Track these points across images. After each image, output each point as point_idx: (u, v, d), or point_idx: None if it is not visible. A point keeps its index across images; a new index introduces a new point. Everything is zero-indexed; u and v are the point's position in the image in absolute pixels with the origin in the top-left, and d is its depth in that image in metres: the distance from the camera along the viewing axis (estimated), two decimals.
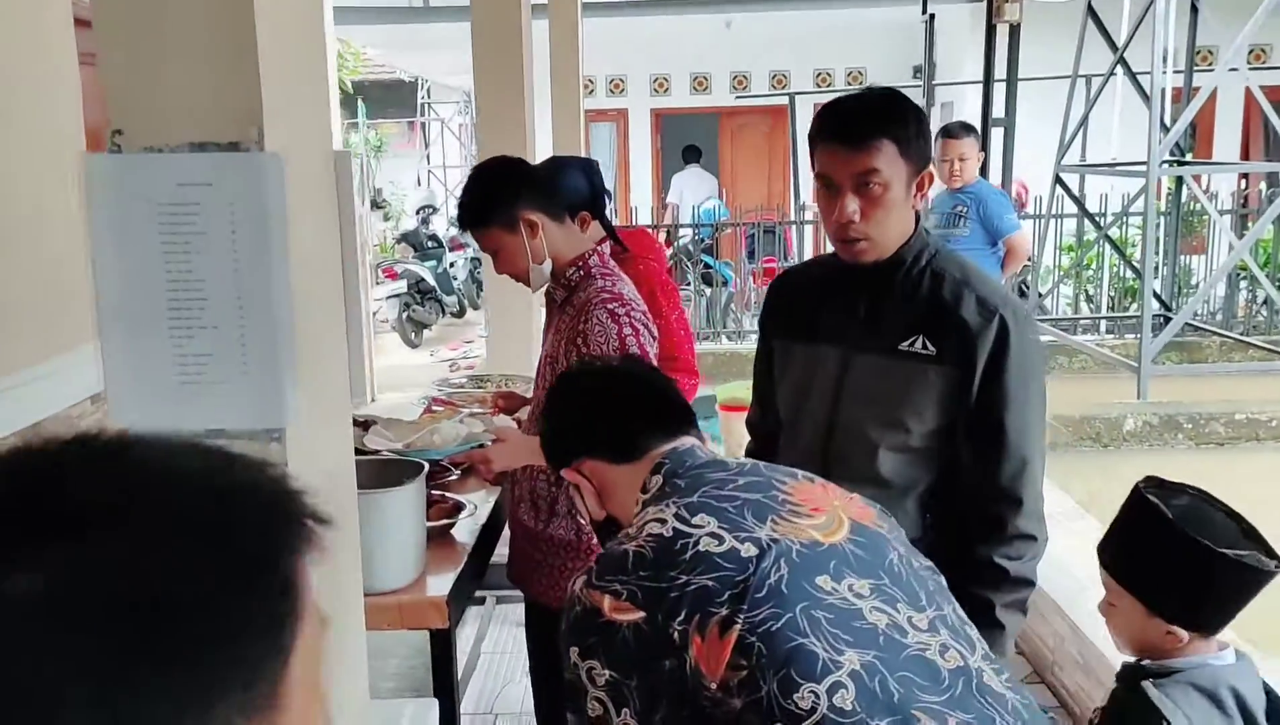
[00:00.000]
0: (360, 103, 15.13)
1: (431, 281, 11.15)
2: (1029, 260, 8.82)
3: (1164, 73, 7.15)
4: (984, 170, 5.14)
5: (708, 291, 9.81)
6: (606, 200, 3.08)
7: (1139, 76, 7.81)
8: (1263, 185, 8.37)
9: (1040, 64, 8.87)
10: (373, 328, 8.87)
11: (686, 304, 9.85)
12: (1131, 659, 1.69)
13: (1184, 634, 1.59)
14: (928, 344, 1.80)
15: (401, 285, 10.88)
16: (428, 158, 16.68)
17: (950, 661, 1.20)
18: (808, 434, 1.92)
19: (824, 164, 1.80)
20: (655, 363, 2.22)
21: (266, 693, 0.51)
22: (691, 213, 9.92)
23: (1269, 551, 1.55)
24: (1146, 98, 7.04)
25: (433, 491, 2.62)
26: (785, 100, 10.62)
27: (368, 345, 8.04)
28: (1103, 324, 8.85)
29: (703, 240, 9.93)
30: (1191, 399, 6.66)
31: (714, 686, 1.13)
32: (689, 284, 9.81)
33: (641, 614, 1.17)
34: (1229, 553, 1.53)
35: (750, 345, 8.98)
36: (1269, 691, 1.60)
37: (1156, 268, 8.53)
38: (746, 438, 3.75)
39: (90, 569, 0.47)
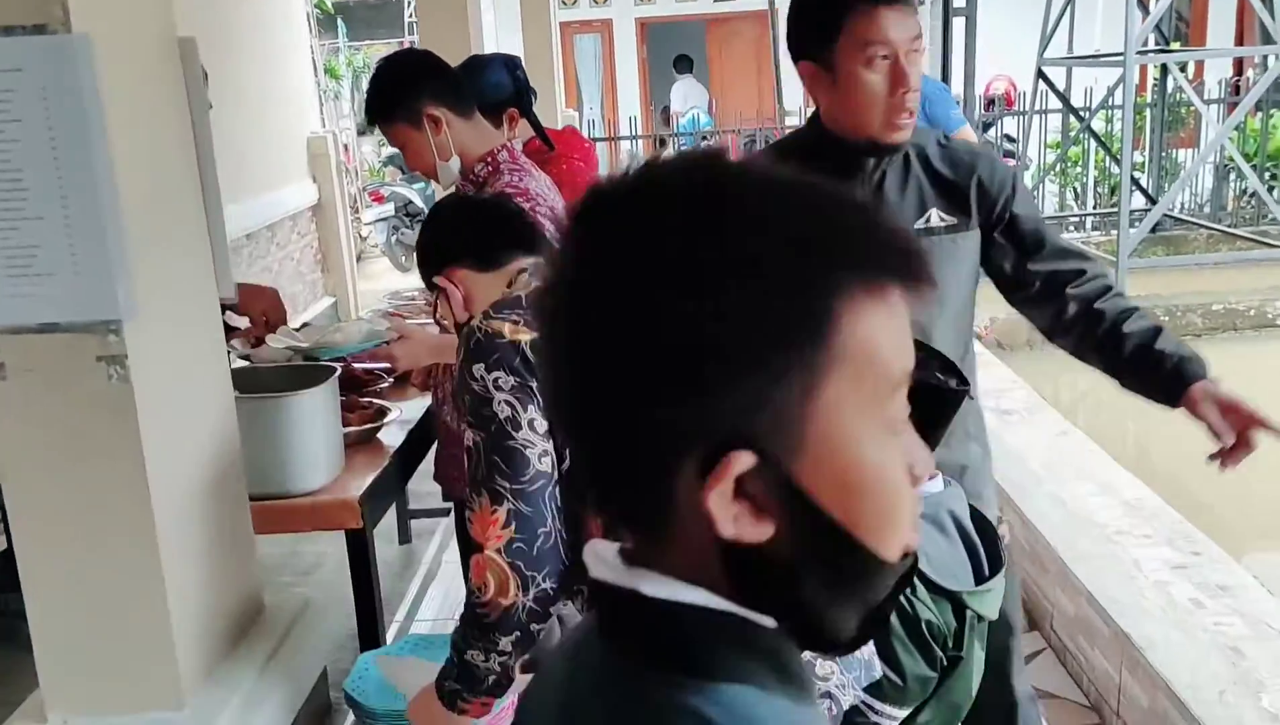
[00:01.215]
0: (341, 23, 14.85)
1: (420, 204, 11.04)
2: (1012, 159, 8.69)
3: None
4: (945, 68, 5.01)
5: None
6: (533, 97, 3.03)
7: None
8: (1250, 73, 8.18)
9: None
10: (353, 250, 8.80)
11: None
12: None
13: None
14: (943, 216, 1.75)
15: (389, 208, 10.81)
16: None
17: None
18: None
19: (873, 31, 1.58)
20: None
21: (771, 424, 0.53)
22: (675, 122, 9.76)
23: (961, 379, 1.56)
24: None
25: (358, 397, 2.64)
26: (768, 2, 10.37)
27: (350, 267, 8.00)
28: (1089, 221, 8.76)
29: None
30: (1175, 291, 6.61)
31: None
32: None
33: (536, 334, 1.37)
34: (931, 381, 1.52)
35: None
36: (974, 509, 1.66)
37: (1142, 163, 8.40)
38: None
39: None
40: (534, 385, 1.37)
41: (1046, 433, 4.26)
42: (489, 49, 5.06)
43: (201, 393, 1.66)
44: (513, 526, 1.34)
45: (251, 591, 1.87)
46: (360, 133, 15.25)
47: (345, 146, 9.04)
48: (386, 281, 11.14)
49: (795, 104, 11.07)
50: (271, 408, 2.08)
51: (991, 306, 6.40)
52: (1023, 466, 3.93)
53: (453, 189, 2.46)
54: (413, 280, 11.09)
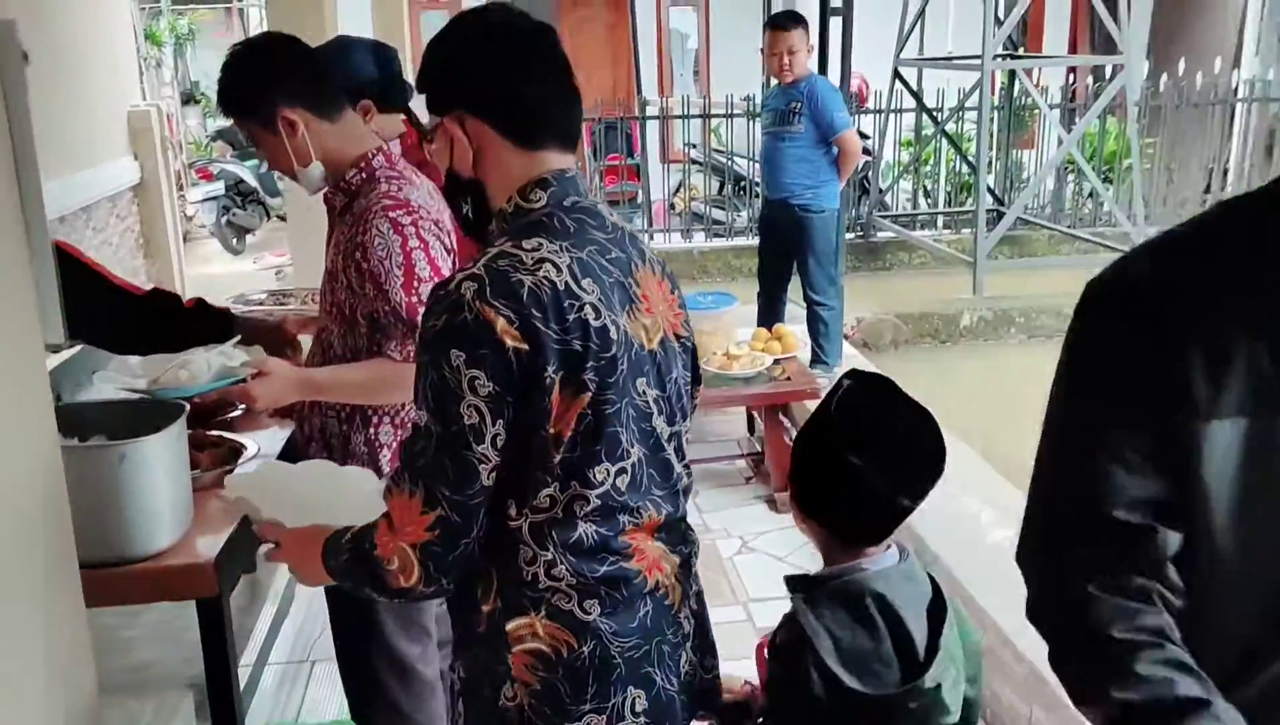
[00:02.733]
0: None
1: (253, 182, 10.31)
2: (868, 155, 8.80)
3: None
4: (823, 64, 4.91)
5: None
6: (409, 90, 2.71)
7: None
8: (1089, 80, 8.51)
9: None
10: (179, 232, 8.12)
11: None
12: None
13: (871, 550, 1.46)
14: None
15: (219, 186, 10.05)
16: None
17: (676, 471, 1.45)
18: None
19: None
20: None
21: None
22: None
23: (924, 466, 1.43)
24: None
25: (207, 432, 2.28)
26: None
27: (176, 252, 7.35)
28: (940, 219, 8.94)
29: None
30: (1024, 292, 6.78)
31: (551, 431, 1.30)
32: None
33: (527, 346, 1.25)
34: (851, 457, 1.41)
35: None
36: (934, 584, 1.49)
37: (990, 163, 8.64)
38: None
39: None
40: (511, 401, 1.27)
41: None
42: (345, 31, 4.64)
43: (14, 440, 1.31)
44: (437, 532, 1.27)
45: (82, 685, 1.52)
46: (185, 103, 14.22)
47: (169, 118, 8.29)
48: (218, 265, 10.41)
49: (653, 94, 10.92)
50: (105, 458, 1.73)
51: (858, 306, 6.51)
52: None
53: (320, 195, 2.14)
54: (244, 264, 10.34)
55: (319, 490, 1.75)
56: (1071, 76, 8.93)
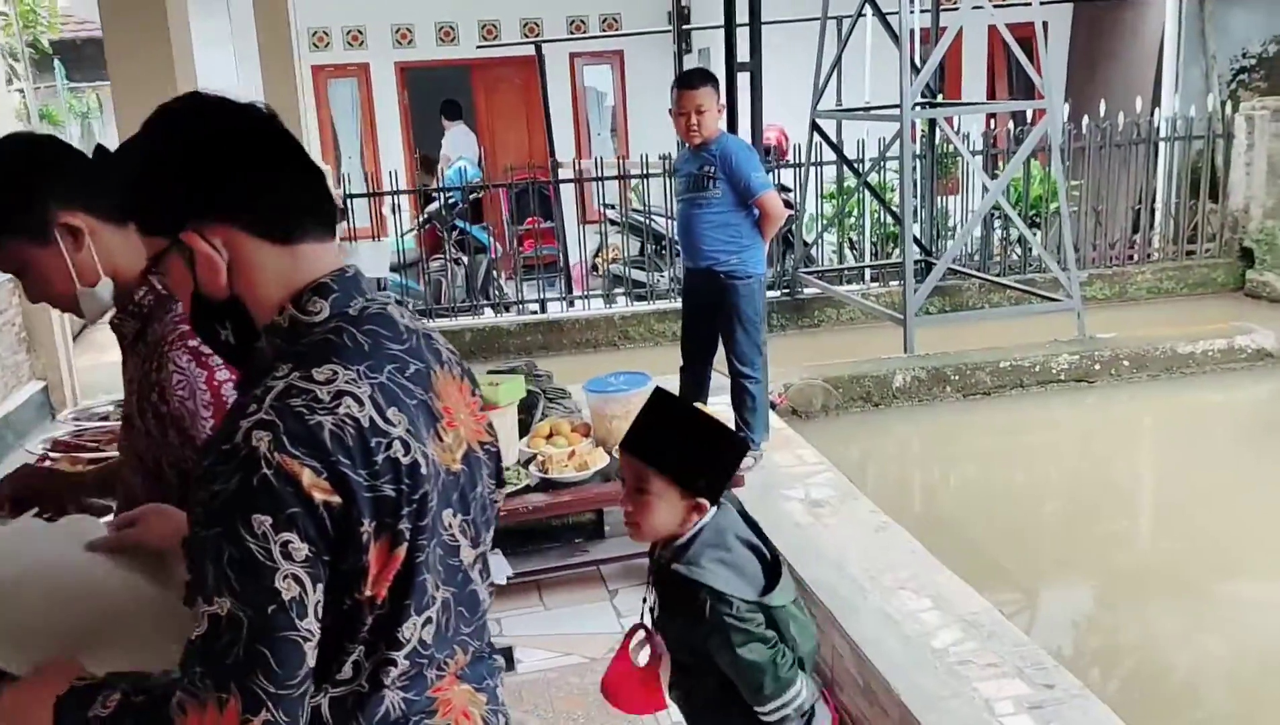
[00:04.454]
0: (57, 64, 13.24)
1: None
2: (791, 209, 8.54)
3: (911, 13, 6.91)
4: (733, 121, 4.60)
5: (465, 260, 9.02)
6: None
7: (888, 17, 7.57)
8: (1010, 124, 8.36)
9: (789, 6, 8.53)
10: (66, 322, 7.54)
11: (441, 275, 9.09)
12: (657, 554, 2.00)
13: (707, 503, 1.90)
14: None
15: None
16: None
17: (481, 596, 1.31)
18: None
19: None
20: None
21: None
22: (441, 175, 9.06)
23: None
24: (896, 39, 6.76)
25: None
26: (534, 49, 9.87)
27: (65, 344, 6.79)
28: (867, 272, 8.69)
29: (455, 204, 9.11)
30: (956, 347, 6.50)
31: (366, 594, 1.13)
32: (442, 253, 9.00)
33: (339, 499, 1.09)
34: (731, 432, 1.99)
35: (514, 318, 8.29)
36: (746, 516, 2.00)
37: (916, 211, 8.43)
38: None
39: None
40: (329, 560, 1.09)
41: (863, 528, 3.85)
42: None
43: None
44: None
45: None
46: None
47: None
48: (114, 355, 9.76)
49: (568, 155, 10.62)
50: None
51: (786, 370, 6.12)
52: (843, 574, 3.47)
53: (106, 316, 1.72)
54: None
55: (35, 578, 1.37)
56: (992, 121, 8.79)
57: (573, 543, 4.21)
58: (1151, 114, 8.47)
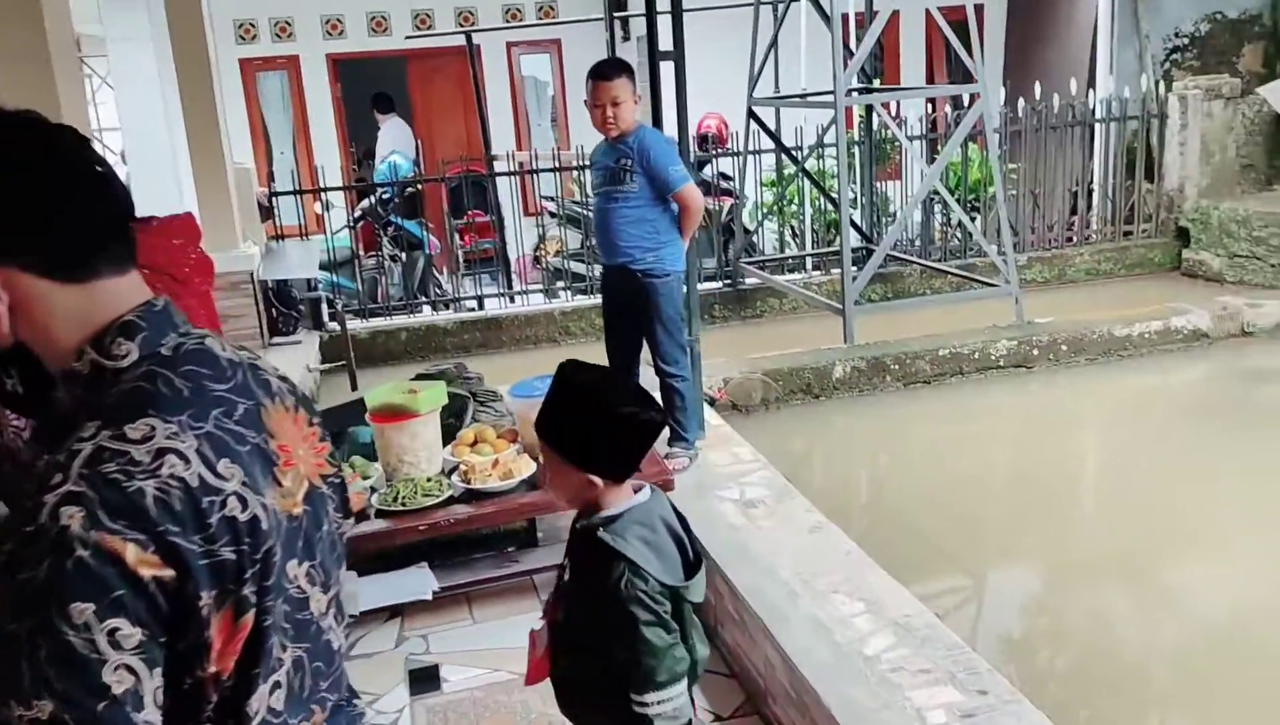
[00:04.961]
0: None
1: None
2: (733, 198, 8.44)
3: None
4: (656, 111, 4.47)
5: (403, 257, 8.81)
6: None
7: (821, 1, 7.47)
8: (949, 109, 8.32)
9: None
10: None
11: (376, 273, 8.85)
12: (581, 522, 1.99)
13: (599, 481, 1.89)
14: None
15: None
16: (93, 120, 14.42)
17: (336, 643, 1.21)
18: None
19: None
20: None
21: None
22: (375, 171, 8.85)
23: (656, 408, 1.94)
24: (829, 22, 6.67)
25: None
26: (465, 40, 9.65)
27: None
28: (809, 261, 8.62)
29: (390, 200, 8.89)
30: (899, 335, 6.44)
31: (210, 670, 1.02)
32: (378, 251, 8.79)
33: (172, 572, 0.97)
34: (621, 410, 1.88)
35: (451, 316, 8.11)
36: (677, 511, 2.01)
37: (854, 200, 8.37)
38: (406, 453, 3.78)
39: None
40: (164, 641, 0.97)
41: (797, 529, 3.75)
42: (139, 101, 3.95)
43: None
44: None
45: None
46: None
47: None
48: None
49: (504, 147, 10.42)
50: None
51: (726, 362, 6.01)
52: (775, 579, 3.37)
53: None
54: None
55: None
56: (931, 107, 8.75)
57: (504, 552, 4.06)
58: (1087, 96, 8.48)
